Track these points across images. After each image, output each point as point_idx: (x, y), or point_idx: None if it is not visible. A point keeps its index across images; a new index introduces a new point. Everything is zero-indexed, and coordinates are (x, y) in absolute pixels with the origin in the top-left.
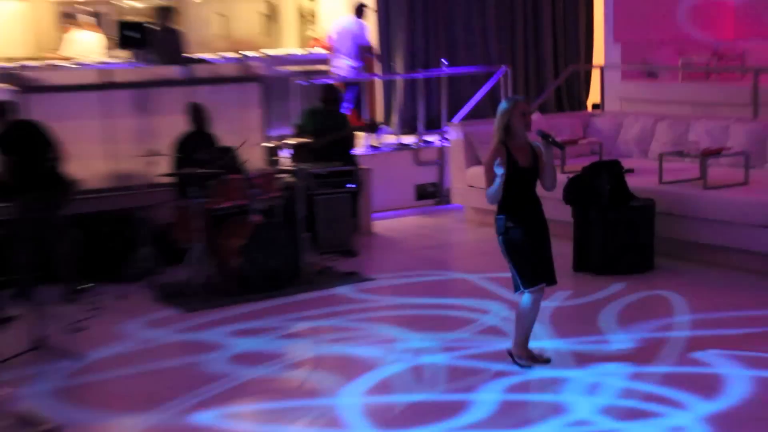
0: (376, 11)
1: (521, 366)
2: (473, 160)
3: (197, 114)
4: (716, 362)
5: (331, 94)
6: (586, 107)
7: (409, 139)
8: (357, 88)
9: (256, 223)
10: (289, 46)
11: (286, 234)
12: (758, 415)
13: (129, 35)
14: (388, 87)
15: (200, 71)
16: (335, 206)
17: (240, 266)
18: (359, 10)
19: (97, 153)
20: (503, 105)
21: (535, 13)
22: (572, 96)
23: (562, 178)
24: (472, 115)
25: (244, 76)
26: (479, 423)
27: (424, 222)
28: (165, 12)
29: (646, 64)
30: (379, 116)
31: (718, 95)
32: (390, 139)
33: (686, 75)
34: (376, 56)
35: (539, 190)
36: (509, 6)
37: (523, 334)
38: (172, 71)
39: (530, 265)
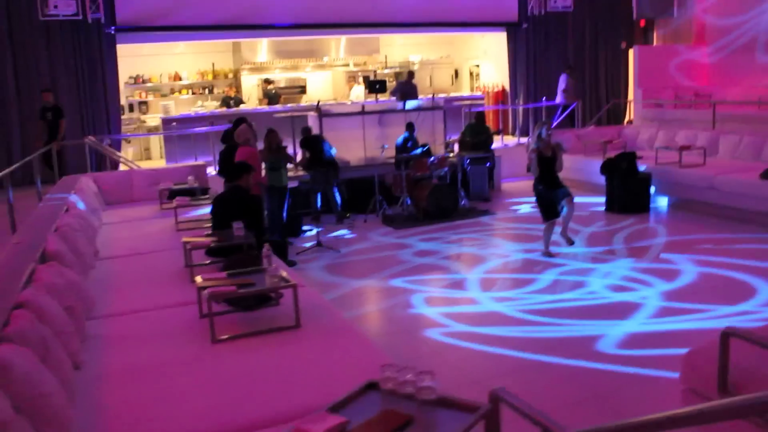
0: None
1: (544, 254)
2: None
3: (411, 127)
4: (677, 260)
5: (481, 117)
6: (623, 122)
7: (522, 140)
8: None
9: (435, 183)
10: (465, 91)
11: (450, 189)
12: (694, 291)
13: (375, 86)
14: (515, 111)
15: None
16: (479, 174)
17: (426, 206)
18: None
19: (358, 147)
20: (538, 125)
21: (596, 67)
22: (618, 115)
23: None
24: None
25: (436, 107)
26: (541, 290)
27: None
28: (408, 73)
29: (656, 99)
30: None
31: (694, 116)
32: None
33: (677, 106)
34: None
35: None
36: (580, 65)
37: (547, 241)
38: (397, 105)
39: (544, 208)
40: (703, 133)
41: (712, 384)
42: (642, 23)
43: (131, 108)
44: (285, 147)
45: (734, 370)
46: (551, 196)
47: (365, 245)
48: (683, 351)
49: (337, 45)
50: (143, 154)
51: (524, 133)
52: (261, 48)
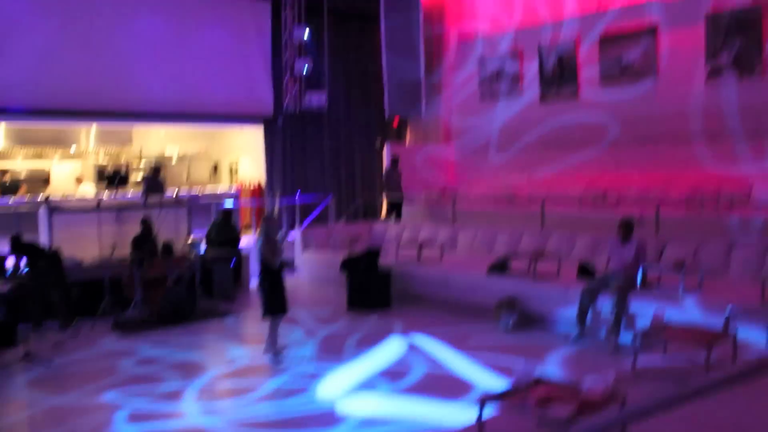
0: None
1: (273, 358)
2: (306, 247)
3: (146, 224)
4: (406, 359)
5: (228, 214)
6: (378, 218)
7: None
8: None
9: (169, 285)
10: (225, 185)
11: (187, 290)
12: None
13: (114, 179)
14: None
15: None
16: (224, 273)
17: (160, 308)
18: None
19: (93, 245)
20: (266, 218)
21: (350, 162)
22: (375, 211)
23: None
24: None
25: (179, 203)
26: (262, 398)
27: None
28: (152, 168)
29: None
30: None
31: (438, 213)
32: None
33: (426, 202)
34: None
35: None
36: (335, 161)
37: (274, 340)
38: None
39: (271, 301)
40: (444, 229)
41: None
42: (396, 122)
43: None
44: None
45: None
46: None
47: (85, 354)
48: None
49: (87, 134)
50: None
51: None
52: None
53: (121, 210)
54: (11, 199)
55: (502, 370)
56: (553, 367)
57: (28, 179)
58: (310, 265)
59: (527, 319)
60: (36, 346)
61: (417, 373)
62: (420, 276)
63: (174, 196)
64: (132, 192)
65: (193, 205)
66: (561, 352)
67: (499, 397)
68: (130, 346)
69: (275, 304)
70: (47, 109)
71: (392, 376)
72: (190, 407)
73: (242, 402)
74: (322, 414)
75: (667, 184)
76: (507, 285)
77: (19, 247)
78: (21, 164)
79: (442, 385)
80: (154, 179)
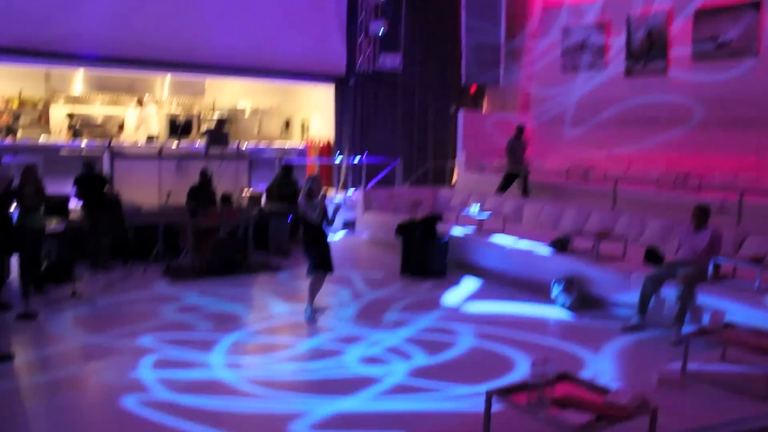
0: (335, 122)
1: (307, 316)
2: (367, 208)
3: (204, 175)
4: (455, 330)
5: (289, 169)
6: (451, 183)
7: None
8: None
9: (221, 236)
10: (296, 141)
11: (238, 242)
12: (449, 366)
13: (177, 129)
14: (338, 166)
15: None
16: (281, 228)
17: (211, 258)
18: None
19: (153, 192)
20: (312, 177)
21: (422, 127)
22: (446, 176)
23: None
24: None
25: (240, 156)
26: (289, 357)
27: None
28: (218, 120)
29: (479, 163)
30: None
31: None
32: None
33: (498, 171)
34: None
35: None
36: (409, 124)
37: (312, 298)
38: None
39: (315, 259)
40: (510, 200)
41: None
42: (473, 89)
43: None
44: (42, 186)
45: None
46: (324, 247)
47: (132, 297)
48: None
49: (162, 83)
50: None
51: (345, 188)
52: (76, 79)
53: (182, 159)
54: (83, 143)
55: (548, 351)
56: (601, 356)
57: (103, 124)
58: (371, 227)
59: (586, 301)
60: (87, 286)
61: (459, 346)
62: (479, 246)
63: (236, 148)
64: (198, 143)
65: (256, 159)
66: (616, 339)
67: (511, 391)
68: (176, 292)
69: (317, 261)
70: (122, 57)
71: (431, 347)
72: (216, 359)
73: (268, 359)
74: (347, 379)
75: (755, 172)
76: (568, 263)
77: (84, 181)
78: (98, 110)
79: (482, 362)
80: (218, 131)
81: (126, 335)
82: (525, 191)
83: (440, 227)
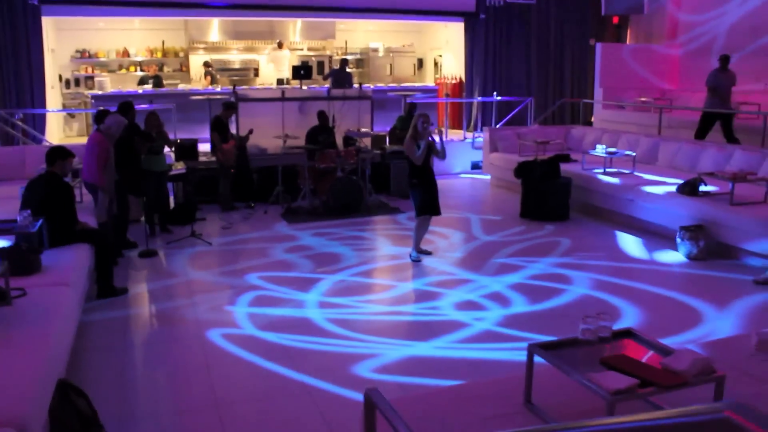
0: (465, 60)
1: (413, 258)
2: (493, 148)
3: (323, 117)
4: (564, 278)
5: (412, 108)
6: (589, 122)
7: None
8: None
9: (338, 176)
10: (429, 81)
11: (354, 183)
12: (540, 317)
13: (299, 71)
14: (469, 105)
15: (350, 92)
16: (401, 169)
17: (327, 199)
18: None
19: (276, 134)
20: (416, 117)
21: (559, 62)
22: (586, 115)
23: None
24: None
25: (363, 96)
26: (384, 300)
27: (464, 182)
28: (341, 60)
29: (617, 100)
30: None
31: (647, 120)
32: (457, 134)
33: (636, 109)
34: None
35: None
36: (544, 60)
37: (417, 240)
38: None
39: (421, 202)
40: (645, 139)
41: None
42: (615, 20)
43: (77, 82)
44: (165, 131)
45: None
46: (428, 188)
47: (249, 236)
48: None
49: (294, 28)
50: (87, 130)
51: (475, 128)
52: (212, 27)
53: (304, 101)
54: (218, 87)
55: (664, 303)
56: (725, 312)
57: (240, 70)
58: (495, 168)
59: (715, 250)
60: (209, 226)
61: (566, 295)
62: (604, 189)
63: (359, 88)
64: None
65: (381, 99)
66: (745, 294)
67: (557, 346)
68: (292, 233)
69: (421, 204)
70: (254, 3)
71: (535, 295)
72: (312, 298)
73: (363, 301)
74: (434, 323)
75: None
76: (698, 209)
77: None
78: (235, 56)
79: (586, 313)
80: (341, 72)
81: (231, 273)
82: (730, 137)
83: (564, 168)
